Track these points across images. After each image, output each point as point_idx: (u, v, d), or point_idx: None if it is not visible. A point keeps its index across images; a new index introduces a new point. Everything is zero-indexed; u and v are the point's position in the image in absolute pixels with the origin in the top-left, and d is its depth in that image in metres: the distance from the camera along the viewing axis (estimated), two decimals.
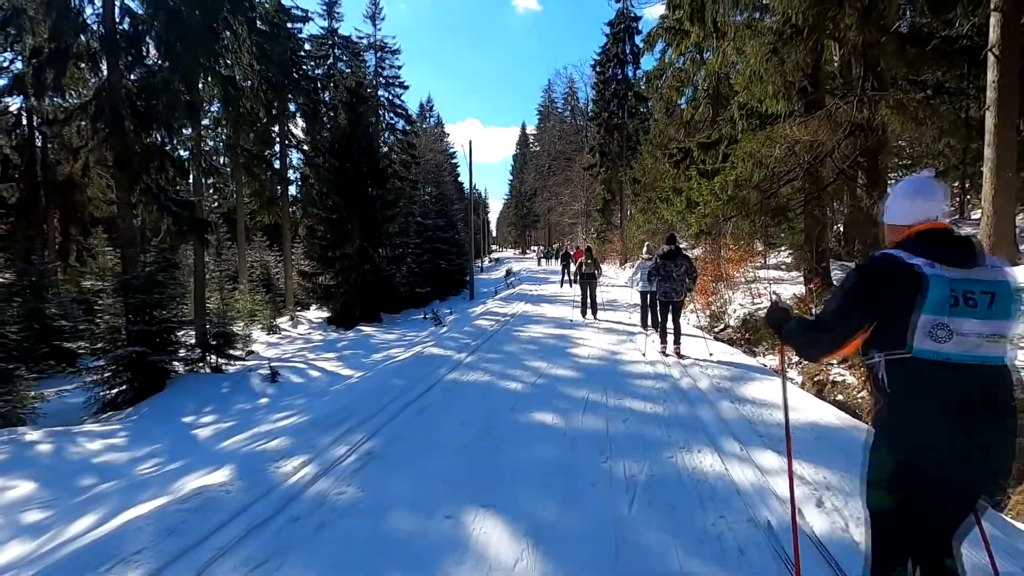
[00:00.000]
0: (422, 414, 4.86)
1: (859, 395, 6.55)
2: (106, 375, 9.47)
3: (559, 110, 48.97)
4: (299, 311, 25.59)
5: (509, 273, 32.44)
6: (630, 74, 27.95)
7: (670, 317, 7.28)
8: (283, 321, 22.00)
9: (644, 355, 7.31)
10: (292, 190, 26.95)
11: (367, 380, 6.35)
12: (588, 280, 10.68)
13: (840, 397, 6.75)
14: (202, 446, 5.89)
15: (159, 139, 14.88)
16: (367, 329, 16.64)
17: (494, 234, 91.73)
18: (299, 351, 13.64)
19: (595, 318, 10.64)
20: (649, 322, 9.01)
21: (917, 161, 8.32)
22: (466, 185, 55.76)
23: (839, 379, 7.11)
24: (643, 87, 18.55)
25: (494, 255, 64.35)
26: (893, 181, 9.08)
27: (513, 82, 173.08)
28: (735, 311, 11.76)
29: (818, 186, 8.66)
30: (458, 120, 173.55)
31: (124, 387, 9.58)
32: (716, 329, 11.75)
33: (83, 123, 13.38)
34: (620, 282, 20.17)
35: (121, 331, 9.89)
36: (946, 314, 1.47)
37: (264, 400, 8.42)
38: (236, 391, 9.16)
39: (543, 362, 6.81)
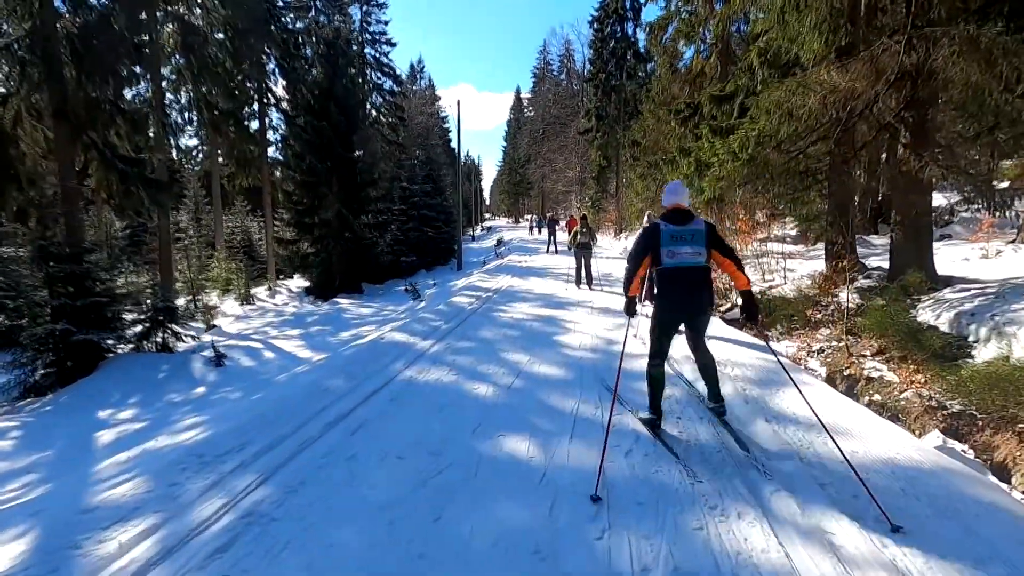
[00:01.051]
0: (352, 436, 3.52)
1: (902, 396, 5.33)
2: (27, 356, 8.08)
3: (554, 73, 46.41)
4: (282, 280, 24.17)
5: (500, 243, 30.92)
6: (630, 31, 25.86)
7: None
8: (261, 291, 20.58)
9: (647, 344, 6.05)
10: (273, 152, 25.09)
11: (303, 377, 5.01)
12: (584, 250, 10.04)
13: (878, 398, 5.51)
14: (90, 457, 4.57)
15: (108, 89, 13.16)
16: (344, 302, 15.25)
17: (487, 202, 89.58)
18: (266, 326, 12.27)
19: (590, 288, 9.99)
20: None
21: (977, 118, 6.85)
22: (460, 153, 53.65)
23: (875, 375, 5.86)
24: (645, 39, 16.68)
25: (487, 223, 62.64)
26: (943, 140, 7.63)
27: (508, 45, 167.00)
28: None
29: (854, 145, 7.22)
30: (451, 85, 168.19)
31: (52, 369, 8.23)
32: (722, 308, 10.47)
33: (12, 67, 11.58)
34: (615, 253, 18.80)
35: (46, 305, 8.48)
36: (671, 245, 3.34)
37: (200, 390, 7.09)
38: (174, 376, 7.82)
39: (524, 354, 5.48)
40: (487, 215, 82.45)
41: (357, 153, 18.71)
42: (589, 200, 30.50)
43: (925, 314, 6.33)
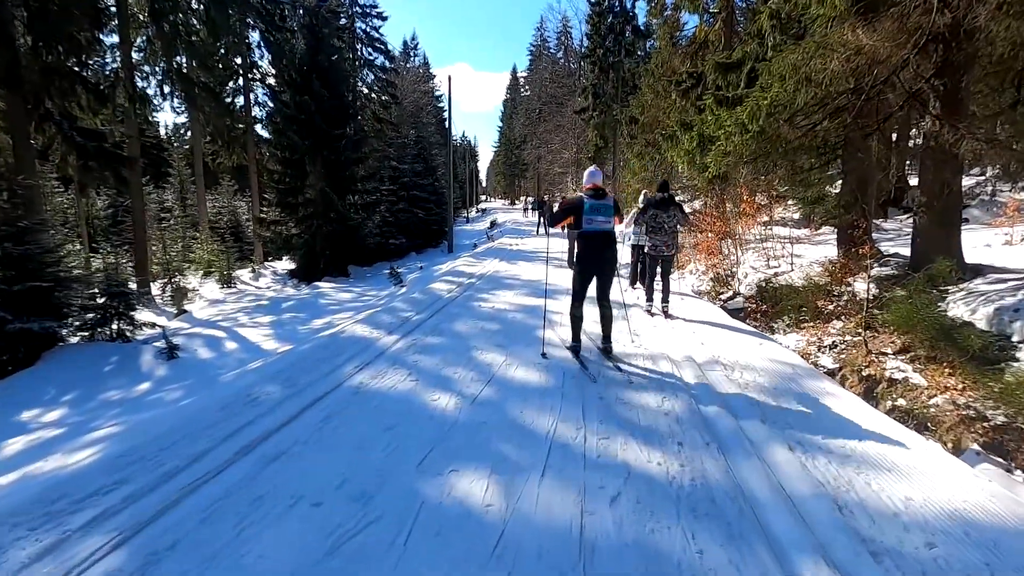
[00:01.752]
0: (266, 468, 2.73)
1: (931, 402, 4.59)
2: None
3: (551, 50, 44.79)
4: (271, 262, 23.25)
5: (493, 224, 29.99)
6: (628, 5, 24.57)
7: (658, 273, 6.64)
8: (244, 274, 19.71)
9: (637, 338, 5.29)
10: (261, 130, 23.94)
11: (236, 382, 4.21)
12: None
13: (902, 403, 4.77)
14: None
15: (66, 56, 12.12)
16: (325, 286, 14.42)
17: (484, 184, 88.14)
18: (239, 311, 11.43)
19: None
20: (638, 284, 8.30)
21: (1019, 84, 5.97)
22: (454, 131, 52.34)
23: (899, 376, 5.11)
24: (646, 10, 15.54)
25: (482, 205, 61.51)
26: (977, 111, 6.76)
27: (507, 23, 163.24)
28: (746, 275, 9.66)
29: (876, 116, 6.35)
30: (447, 64, 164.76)
31: None
32: (722, 296, 9.69)
33: None
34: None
35: None
36: (590, 214, 4.42)
37: (143, 386, 6.28)
38: (121, 370, 7.01)
39: (499, 353, 4.69)
40: (484, 197, 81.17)
41: (343, 130, 17.67)
42: None
43: (957, 308, 5.55)
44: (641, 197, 9.54)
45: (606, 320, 4.65)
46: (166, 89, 15.98)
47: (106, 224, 26.32)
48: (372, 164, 21.78)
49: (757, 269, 9.73)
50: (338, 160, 17.42)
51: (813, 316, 7.24)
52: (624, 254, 12.54)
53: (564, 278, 8.59)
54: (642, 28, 24.44)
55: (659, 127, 12.53)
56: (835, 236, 9.69)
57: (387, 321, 5.98)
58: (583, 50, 30.59)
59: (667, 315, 6.44)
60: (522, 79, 55.38)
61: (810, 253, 9.40)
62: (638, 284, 8.46)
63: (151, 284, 15.21)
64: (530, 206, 36.49)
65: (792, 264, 9.10)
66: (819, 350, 6.47)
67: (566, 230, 9.70)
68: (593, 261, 4.51)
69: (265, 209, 18.60)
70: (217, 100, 17.33)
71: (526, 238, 19.57)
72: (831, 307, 7.19)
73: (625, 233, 8.67)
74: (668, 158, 9.51)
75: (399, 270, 13.00)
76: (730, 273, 9.95)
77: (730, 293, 9.52)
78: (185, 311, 12.04)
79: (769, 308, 7.98)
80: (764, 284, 8.75)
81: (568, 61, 40.91)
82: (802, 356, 5.85)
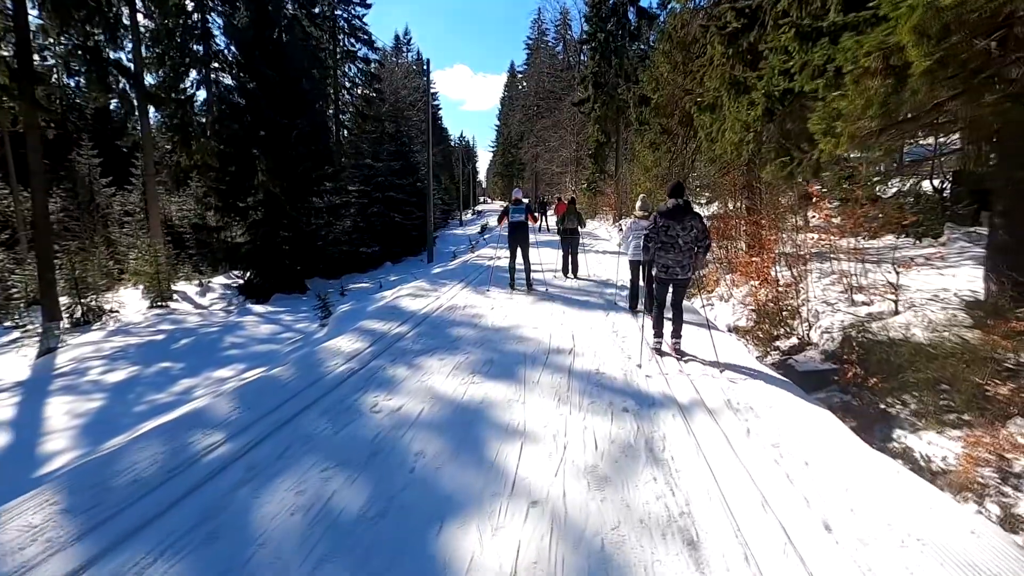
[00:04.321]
0: None
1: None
2: None
3: (550, 43, 41.17)
4: (233, 273, 20.02)
5: (484, 230, 26.77)
6: None
7: (669, 300, 4.75)
8: (191, 288, 16.52)
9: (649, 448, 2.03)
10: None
11: None
12: (571, 236, 8.97)
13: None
14: None
15: None
16: (257, 310, 11.21)
17: (484, 185, 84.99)
18: (114, 353, 8.19)
19: (575, 277, 9.16)
20: (641, 305, 6.51)
21: None
22: (452, 134, 49.11)
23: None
24: None
25: (480, 207, 58.33)
26: None
27: (505, 24, 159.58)
28: (816, 315, 6.29)
29: None
30: (446, 66, 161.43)
31: None
32: (778, 345, 6.39)
33: None
34: (611, 247, 14.66)
35: None
36: (513, 215, 7.54)
37: None
38: None
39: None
40: (483, 198, 78.12)
41: (295, 120, 14.41)
42: (584, 182, 26.14)
43: None
44: (639, 203, 6.65)
45: (527, 270, 7.73)
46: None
47: (56, 228, 23.12)
48: (343, 161, 18.61)
49: (833, 305, 6.40)
50: (288, 155, 14.19)
51: (969, 404, 4.02)
52: (608, 264, 9.68)
53: (582, 323, 5.34)
54: (648, 9, 21.08)
55: (678, 110, 9.22)
56: (976, 252, 6.44)
57: (218, 420, 2.74)
58: (583, 35, 27.18)
59: (679, 354, 4.71)
60: (520, 75, 51.81)
61: (920, 281, 6.07)
62: (641, 308, 6.51)
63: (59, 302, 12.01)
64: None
65: (897, 300, 5.75)
66: (1002, 479, 3.29)
67: (558, 228, 9.18)
68: (516, 239, 7.46)
69: (210, 213, 15.39)
70: (135, 81, 14.00)
71: None
72: (1005, 390, 3.91)
73: (625, 243, 6.80)
74: (707, 141, 6.22)
75: (324, 296, 9.67)
76: (788, 309, 6.62)
77: (793, 342, 6.23)
78: (54, 349, 8.83)
79: (879, 381, 4.67)
80: (855, 334, 5.48)
81: (567, 55, 37.45)
82: (957, 489, 2.67)
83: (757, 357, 5.76)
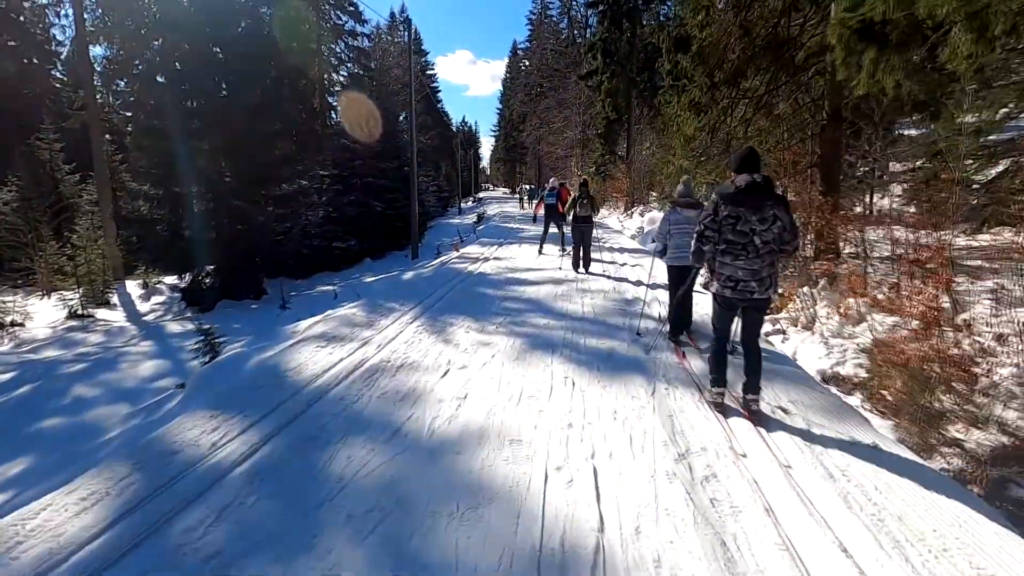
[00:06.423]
0: None
1: None
2: None
3: (553, 17, 37.64)
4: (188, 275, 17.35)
5: (480, 219, 23.93)
6: None
7: (737, 331, 3.25)
8: (136, 288, 13.93)
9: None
10: None
11: None
12: (584, 224, 7.66)
13: None
14: None
15: None
16: (182, 326, 8.54)
17: (488, 172, 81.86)
18: None
19: (587, 272, 7.78)
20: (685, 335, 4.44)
21: None
22: (454, 119, 45.86)
23: None
24: None
25: (482, 194, 55.34)
26: None
27: (508, 7, 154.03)
28: (992, 363, 3.52)
29: None
30: (448, 52, 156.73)
31: None
32: (940, 424, 3.64)
33: None
34: (625, 240, 11.85)
35: None
36: (548, 198, 9.80)
37: None
38: None
39: None
40: (487, 185, 75.13)
41: (241, 92, 11.58)
42: (592, 165, 23.15)
43: None
44: (680, 187, 4.95)
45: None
46: None
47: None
48: (310, 141, 15.80)
49: (958, 359, 3.58)
50: (239, 131, 11.40)
51: None
52: (625, 264, 8.26)
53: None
54: None
55: (737, 55, 6.34)
56: None
57: None
58: None
59: (754, 416, 2.93)
60: (521, 53, 48.29)
61: None
62: (686, 340, 4.55)
63: None
64: (526, 195, 30.13)
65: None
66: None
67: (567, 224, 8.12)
68: (549, 219, 9.47)
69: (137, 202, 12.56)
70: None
71: (508, 243, 13.20)
72: None
73: (657, 242, 5.02)
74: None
75: (317, 290, 6.91)
76: (959, 362, 3.79)
77: (978, 438, 3.43)
78: None
79: None
80: (974, 415, 2.70)
81: (572, 30, 34.08)
82: None
83: (919, 452, 3.06)
